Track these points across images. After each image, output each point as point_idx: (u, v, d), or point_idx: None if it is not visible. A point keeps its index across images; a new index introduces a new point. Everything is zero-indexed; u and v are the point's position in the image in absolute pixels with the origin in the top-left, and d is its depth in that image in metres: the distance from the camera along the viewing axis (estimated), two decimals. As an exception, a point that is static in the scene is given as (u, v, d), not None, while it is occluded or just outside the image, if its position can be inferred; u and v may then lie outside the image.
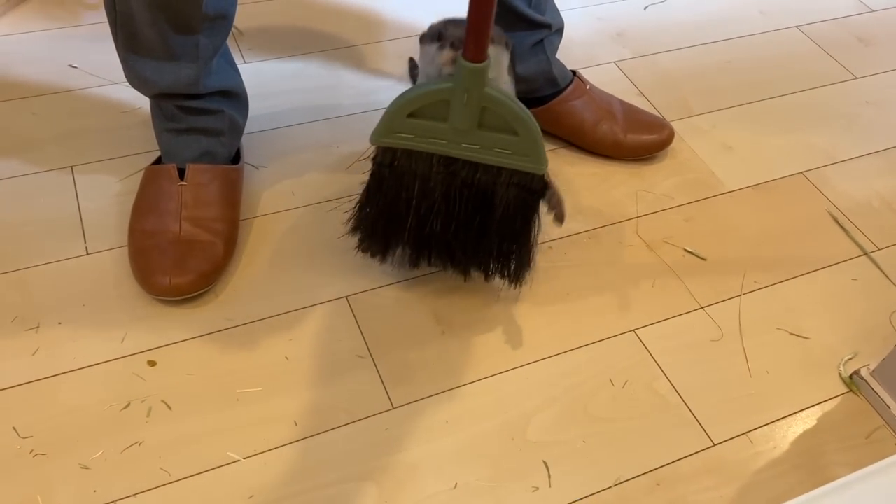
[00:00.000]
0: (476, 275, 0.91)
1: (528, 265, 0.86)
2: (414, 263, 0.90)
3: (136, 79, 0.89)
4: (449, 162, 0.79)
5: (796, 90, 1.28)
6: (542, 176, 0.80)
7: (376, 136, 0.78)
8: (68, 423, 0.77)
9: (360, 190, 0.84)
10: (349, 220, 0.87)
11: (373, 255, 0.89)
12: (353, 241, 0.88)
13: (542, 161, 0.78)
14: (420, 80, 0.82)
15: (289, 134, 1.10)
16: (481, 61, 0.72)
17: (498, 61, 0.78)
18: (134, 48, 0.86)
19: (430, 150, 0.78)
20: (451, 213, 0.82)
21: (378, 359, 0.86)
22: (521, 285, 0.89)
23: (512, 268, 0.87)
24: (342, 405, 0.82)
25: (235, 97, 0.97)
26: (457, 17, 0.80)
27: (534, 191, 0.81)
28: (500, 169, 0.79)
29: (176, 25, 0.83)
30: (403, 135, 0.78)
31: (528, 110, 0.76)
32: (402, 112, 0.76)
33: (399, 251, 0.88)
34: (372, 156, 0.80)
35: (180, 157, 0.93)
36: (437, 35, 0.79)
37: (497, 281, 0.90)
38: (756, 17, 1.42)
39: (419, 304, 0.91)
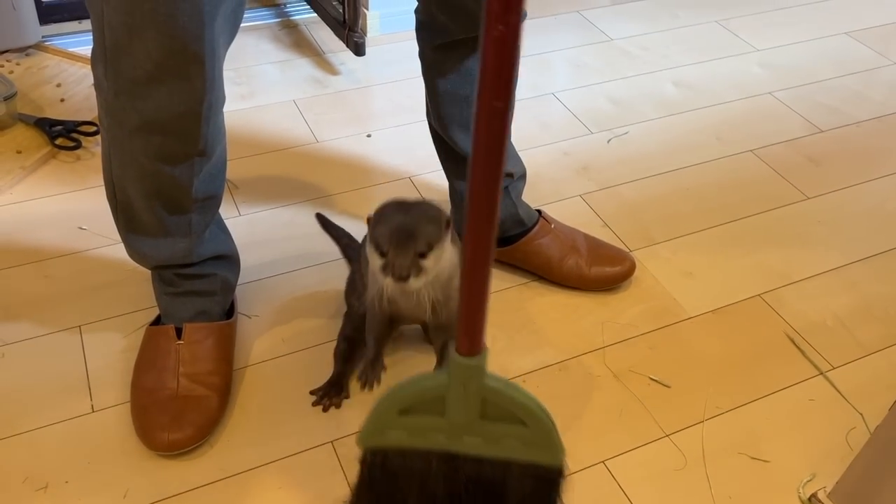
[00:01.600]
0: None
1: None
2: None
3: (135, 254, 1.00)
4: (450, 458, 0.72)
5: (752, 213, 1.37)
6: (561, 467, 0.72)
7: (363, 437, 0.72)
8: (73, 582, 0.83)
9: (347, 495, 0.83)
10: None
11: None
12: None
13: (557, 450, 0.71)
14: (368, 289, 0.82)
15: (280, 282, 1.19)
16: (475, 354, 0.67)
17: (447, 249, 0.84)
18: (133, 229, 0.97)
19: (427, 447, 0.71)
20: None
21: None
22: None
23: None
24: (328, 551, 0.87)
25: (227, 259, 1.06)
26: (400, 202, 0.85)
27: (552, 481, 0.73)
28: (510, 462, 0.72)
29: (169, 209, 0.94)
30: (395, 433, 0.71)
31: (534, 397, 0.69)
32: (392, 409, 0.70)
33: None
34: (359, 458, 0.74)
35: (177, 317, 1.02)
36: (377, 245, 0.82)
37: None
38: (713, 144, 1.53)
39: (400, 446, 0.98)
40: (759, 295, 1.21)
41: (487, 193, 0.61)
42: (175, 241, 0.97)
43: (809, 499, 0.95)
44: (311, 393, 1.02)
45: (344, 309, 1.09)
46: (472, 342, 0.66)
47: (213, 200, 0.98)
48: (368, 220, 0.85)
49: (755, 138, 1.55)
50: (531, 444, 0.70)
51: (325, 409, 1.01)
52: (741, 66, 1.77)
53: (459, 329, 0.66)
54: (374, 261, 0.83)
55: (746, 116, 1.61)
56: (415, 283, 0.81)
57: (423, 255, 0.81)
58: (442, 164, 1.18)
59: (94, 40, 0.82)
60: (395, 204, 0.86)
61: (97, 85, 0.86)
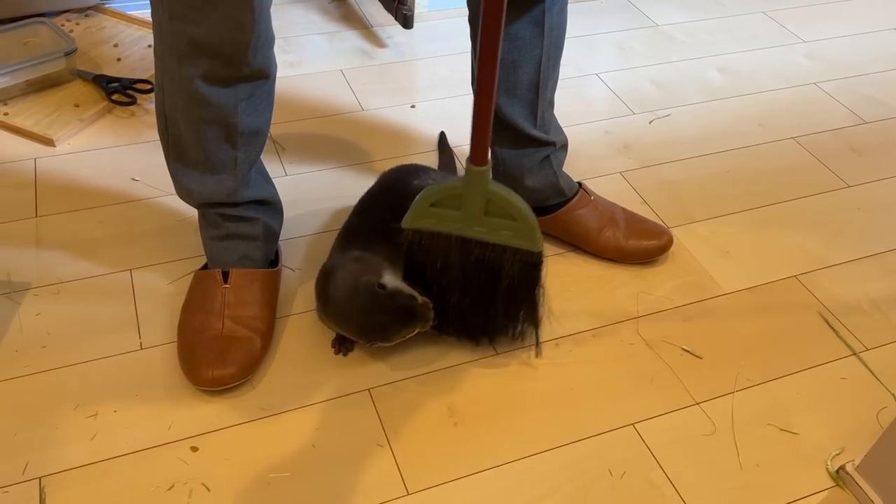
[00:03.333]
0: (484, 341, 1.06)
1: (537, 324, 1.04)
2: (436, 331, 1.03)
3: (183, 190, 1.04)
4: (464, 241, 0.97)
5: (792, 198, 1.37)
6: (539, 252, 0.97)
7: (406, 221, 0.97)
8: (119, 502, 0.87)
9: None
10: None
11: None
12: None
13: (538, 241, 0.96)
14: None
15: (323, 239, 1.23)
16: (483, 165, 0.91)
17: None
18: (182, 162, 1.01)
19: (448, 231, 0.96)
20: (467, 284, 0.99)
21: (395, 447, 0.95)
22: (528, 342, 1.06)
23: (518, 329, 1.04)
24: (362, 490, 0.90)
25: (270, 206, 1.10)
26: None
27: (534, 264, 0.98)
28: (504, 247, 0.96)
29: (216, 142, 0.98)
30: (428, 220, 0.96)
31: (524, 202, 0.95)
32: (426, 202, 0.95)
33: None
34: (404, 237, 0.98)
35: (223, 261, 1.05)
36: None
37: (505, 343, 1.07)
38: (755, 130, 1.53)
39: (434, 397, 1.01)
40: (794, 276, 1.22)
41: (494, 28, 0.81)
42: (221, 179, 1.01)
43: (837, 471, 0.95)
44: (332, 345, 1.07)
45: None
46: (481, 156, 0.91)
47: (258, 138, 1.01)
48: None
49: (798, 126, 1.55)
50: (520, 235, 0.95)
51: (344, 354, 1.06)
52: (787, 56, 1.77)
53: (473, 146, 0.91)
54: None
55: (790, 105, 1.61)
56: None
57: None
58: None
59: None
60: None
61: (153, 12, 0.90)
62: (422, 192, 0.96)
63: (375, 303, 0.95)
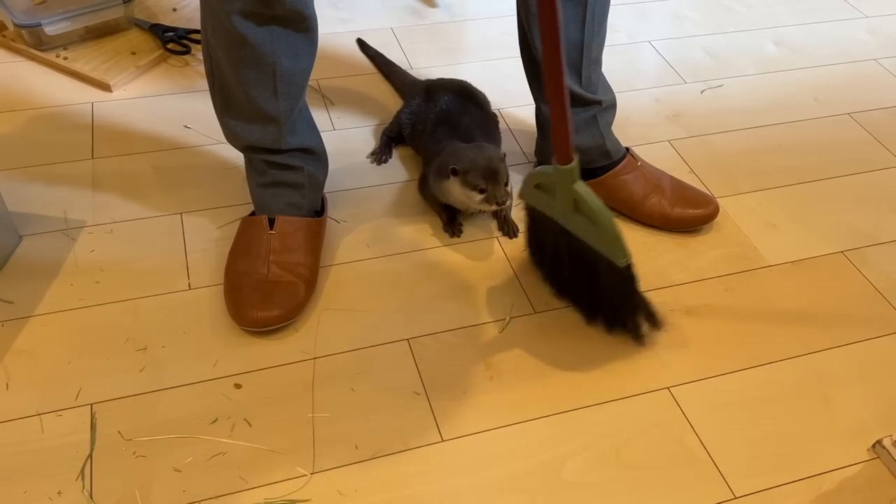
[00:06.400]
0: (598, 324, 1.05)
1: (636, 327, 1.02)
2: (558, 295, 1.09)
3: (229, 133, 1.07)
4: (564, 231, 0.97)
5: (843, 174, 1.35)
6: (624, 265, 0.93)
7: (520, 195, 1.03)
8: (165, 431, 0.91)
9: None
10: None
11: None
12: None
13: (619, 253, 0.92)
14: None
15: (368, 193, 1.24)
16: (564, 163, 0.91)
17: None
18: (227, 107, 1.04)
19: (550, 215, 0.99)
20: (574, 267, 1.01)
21: (432, 396, 0.96)
22: (640, 341, 1.03)
23: (628, 325, 1.02)
24: (398, 434, 0.92)
25: (314, 155, 1.11)
26: (475, 148, 1.13)
27: (622, 274, 0.95)
28: (594, 249, 0.95)
29: (257, 84, 0.99)
30: (535, 198, 1.00)
31: (606, 209, 0.92)
32: (530, 183, 0.99)
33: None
34: (524, 207, 1.06)
35: (269, 208, 1.08)
36: (474, 185, 1.08)
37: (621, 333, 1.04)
38: (810, 104, 1.50)
39: (472, 351, 1.02)
40: (842, 252, 1.20)
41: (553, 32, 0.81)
42: (265, 127, 1.03)
43: (874, 445, 0.95)
44: (368, 157, 1.30)
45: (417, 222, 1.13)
46: (562, 154, 0.90)
47: (298, 85, 1.02)
48: (455, 171, 1.09)
49: (854, 102, 1.51)
50: (602, 242, 0.93)
51: (379, 163, 1.28)
52: (847, 30, 1.72)
53: (555, 145, 0.90)
54: (474, 195, 1.09)
55: (847, 81, 1.57)
56: (507, 204, 1.11)
57: (506, 184, 1.09)
58: (530, 85, 1.20)
59: None
60: (473, 151, 1.11)
61: None
62: (531, 172, 0.99)
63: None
